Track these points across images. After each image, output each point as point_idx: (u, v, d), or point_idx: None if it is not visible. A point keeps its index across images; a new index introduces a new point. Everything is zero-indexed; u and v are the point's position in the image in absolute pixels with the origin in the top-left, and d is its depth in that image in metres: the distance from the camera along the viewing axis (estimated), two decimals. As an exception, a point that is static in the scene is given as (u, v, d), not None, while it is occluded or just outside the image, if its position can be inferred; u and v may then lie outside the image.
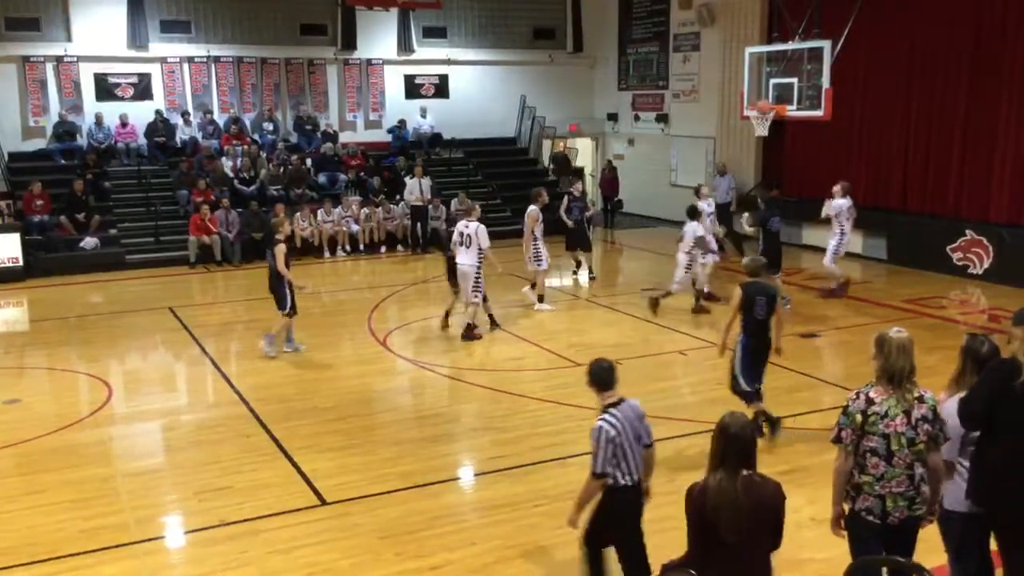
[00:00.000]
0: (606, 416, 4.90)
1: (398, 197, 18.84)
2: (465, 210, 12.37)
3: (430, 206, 18.42)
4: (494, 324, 11.84)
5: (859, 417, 4.40)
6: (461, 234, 11.33)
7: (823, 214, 13.51)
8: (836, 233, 13.35)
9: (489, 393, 9.36)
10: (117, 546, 6.20)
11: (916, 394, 4.39)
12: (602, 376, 5.01)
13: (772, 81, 14.20)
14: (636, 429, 4.98)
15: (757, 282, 7.76)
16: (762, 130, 14.67)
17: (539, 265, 13.03)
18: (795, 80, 13.69)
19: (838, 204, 13.24)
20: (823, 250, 16.98)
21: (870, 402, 4.40)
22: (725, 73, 19.10)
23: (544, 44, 22.94)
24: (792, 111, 13.83)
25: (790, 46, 13.79)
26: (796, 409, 8.63)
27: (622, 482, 4.92)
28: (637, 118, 22.49)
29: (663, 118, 21.55)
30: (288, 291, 10.56)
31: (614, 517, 4.99)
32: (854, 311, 12.77)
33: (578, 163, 24.04)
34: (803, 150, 18.27)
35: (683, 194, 20.55)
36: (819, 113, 13.26)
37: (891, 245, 15.90)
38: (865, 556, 4.60)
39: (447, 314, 11.86)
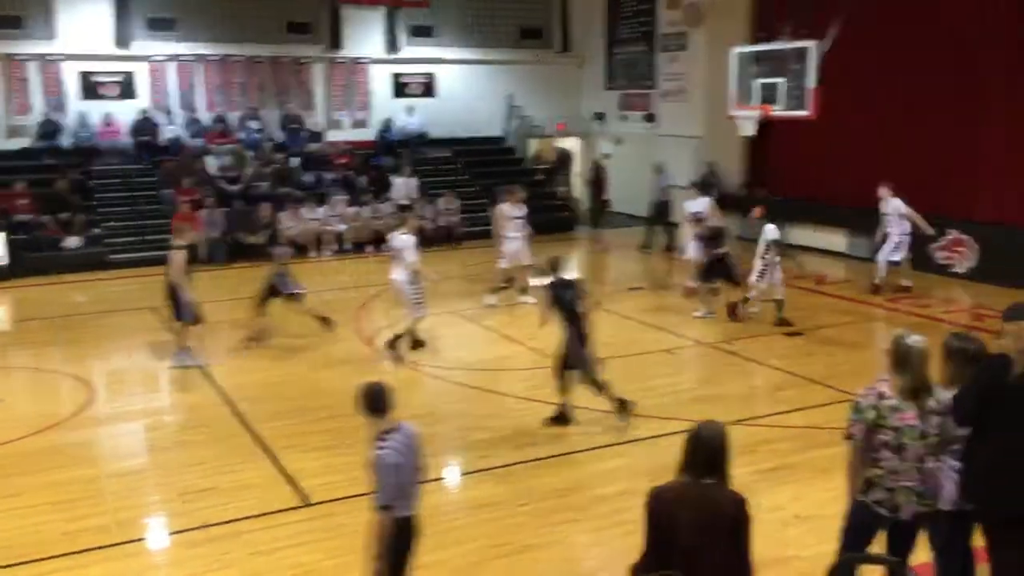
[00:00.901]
0: (387, 443, 4.54)
1: (385, 196, 18.80)
2: (398, 222, 11.75)
3: (417, 205, 18.43)
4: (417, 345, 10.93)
5: (872, 413, 4.44)
6: (392, 247, 10.79)
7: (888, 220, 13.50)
8: (894, 233, 13.39)
9: (475, 393, 9.35)
10: (99, 548, 6.15)
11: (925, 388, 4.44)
12: (375, 400, 4.58)
13: (758, 81, 14.26)
14: (416, 454, 4.70)
15: (559, 278, 8.25)
16: (748, 130, 14.74)
17: (500, 262, 13.15)
18: (781, 80, 13.75)
19: (895, 204, 13.37)
20: (810, 249, 17.18)
21: (882, 396, 4.44)
22: (712, 73, 19.13)
23: (531, 43, 22.94)
24: (778, 111, 13.88)
25: (776, 46, 13.83)
26: (780, 407, 8.66)
27: (404, 513, 4.61)
28: (624, 117, 22.51)
29: (650, 117, 21.57)
30: (187, 299, 10.22)
31: (390, 549, 4.59)
32: (838, 310, 12.82)
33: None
34: (789, 150, 18.33)
35: (670, 194, 20.66)
36: (805, 113, 13.31)
37: (874, 244, 15.92)
38: (849, 554, 4.62)
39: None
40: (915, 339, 4.46)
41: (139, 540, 6.38)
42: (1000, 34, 14.25)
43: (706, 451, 3.84)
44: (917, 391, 4.38)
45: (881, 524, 4.55)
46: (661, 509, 3.82)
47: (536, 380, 9.71)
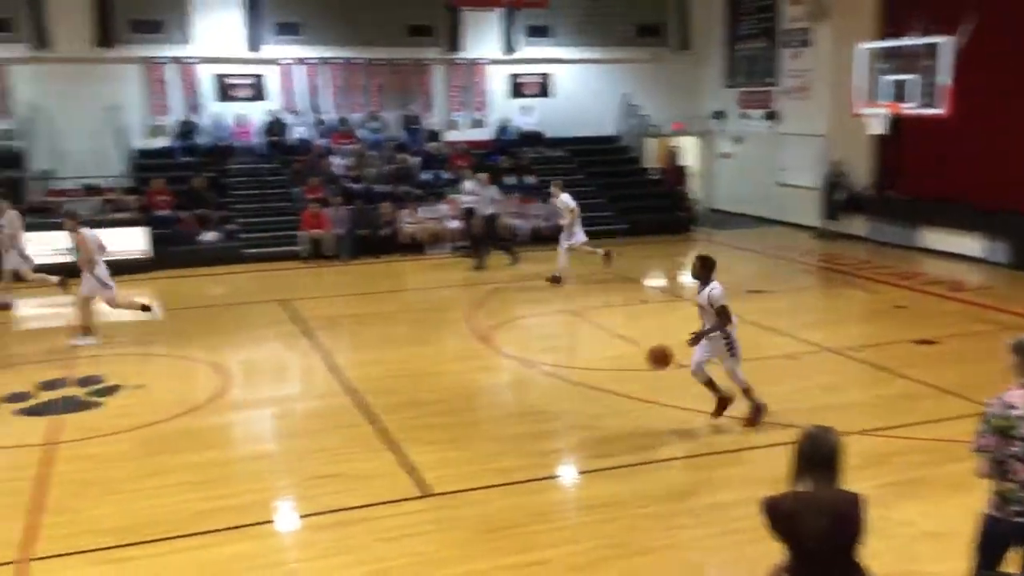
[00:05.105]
0: None
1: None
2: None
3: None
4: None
5: (1001, 423, 4.29)
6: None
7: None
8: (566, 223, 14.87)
9: (591, 392, 9.36)
10: (232, 528, 6.45)
11: None
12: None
13: (887, 78, 13.75)
14: None
15: None
16: (876, 128, 14.23)
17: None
18: (911, 77, 13.21)
19: (563, 198, 14.92)
20: (944, 254, 16.45)
21: (1010, 407, 4.29)
22: (837, 69, 18.53)
23: (649, 41, 22.74)
24: (908, 109, 13.35)
25: (906, 42, 13.30)
26: (912, 418, 8.33)
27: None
28: (745, 115, 22.06)
29: (772, 115, 21.07)
30: None
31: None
32: (973, 318, 12.23)
33: (683, 162, 23.88)
34: (922, 149, 17.54)
35: (792, 193, 20.16)
36: (938, 111, 12.76)
37: (1014, 249, 15.13)
38: (984, 572, 4.44)
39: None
40: None
41: (268, 522, 6.66)
42: None
43: (823, 456, 3.74)
44: None
45: (1017, 538, 4.35)
46: (781, 518, 3.74)
47: (651, 382, 9.64)
